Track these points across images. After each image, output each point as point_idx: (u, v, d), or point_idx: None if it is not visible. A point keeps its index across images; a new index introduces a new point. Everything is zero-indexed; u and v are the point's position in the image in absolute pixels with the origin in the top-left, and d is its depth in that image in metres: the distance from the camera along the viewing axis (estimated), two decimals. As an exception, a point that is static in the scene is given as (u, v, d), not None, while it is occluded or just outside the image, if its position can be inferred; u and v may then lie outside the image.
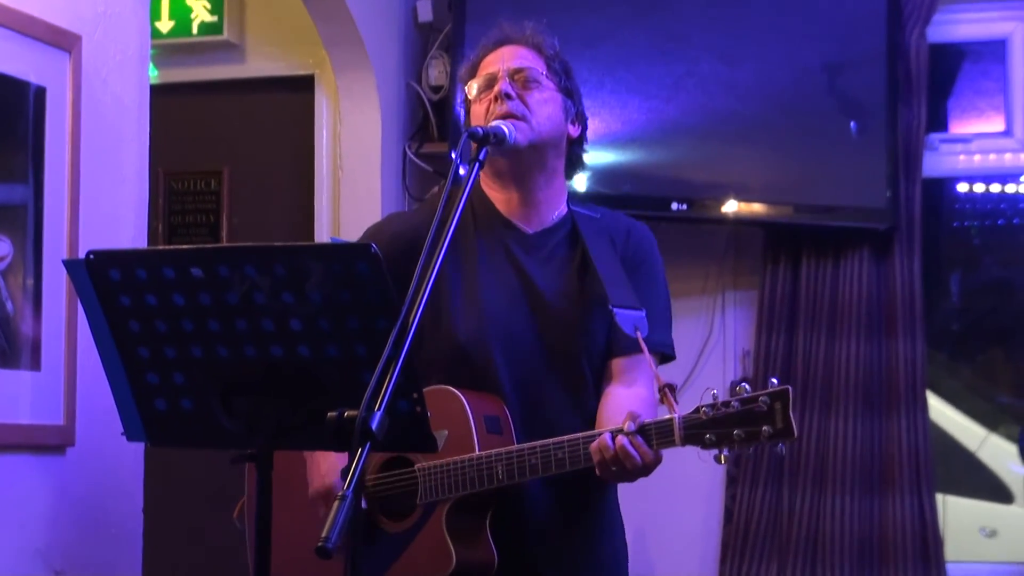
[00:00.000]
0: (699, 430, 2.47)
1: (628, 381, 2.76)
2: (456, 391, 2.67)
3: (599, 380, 2.79)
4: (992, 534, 5.29)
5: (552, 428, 2.69)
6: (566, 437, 2.59)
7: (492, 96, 2.76)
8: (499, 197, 2.84)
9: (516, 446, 2.63)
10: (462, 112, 2.89)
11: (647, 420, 2.52)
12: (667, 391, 2.53)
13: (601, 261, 2.76)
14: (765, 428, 2.43)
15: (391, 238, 2.76)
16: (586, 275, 2.78)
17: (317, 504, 2.74)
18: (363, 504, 2.68)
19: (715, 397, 2.48)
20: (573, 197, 2.92)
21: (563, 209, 2.86)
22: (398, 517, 2.73)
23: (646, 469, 2.52)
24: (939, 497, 4.59)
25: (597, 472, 2.55)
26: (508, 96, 2.74)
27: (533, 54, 2.82)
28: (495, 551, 2.67)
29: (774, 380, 2.47)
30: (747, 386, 2.48)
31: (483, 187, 2.86)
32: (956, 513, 5.16)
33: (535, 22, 2.87)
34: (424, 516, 2.68)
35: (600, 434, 2.53)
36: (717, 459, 2.47)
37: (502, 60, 2.80)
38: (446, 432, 2.62)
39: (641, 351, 2.66)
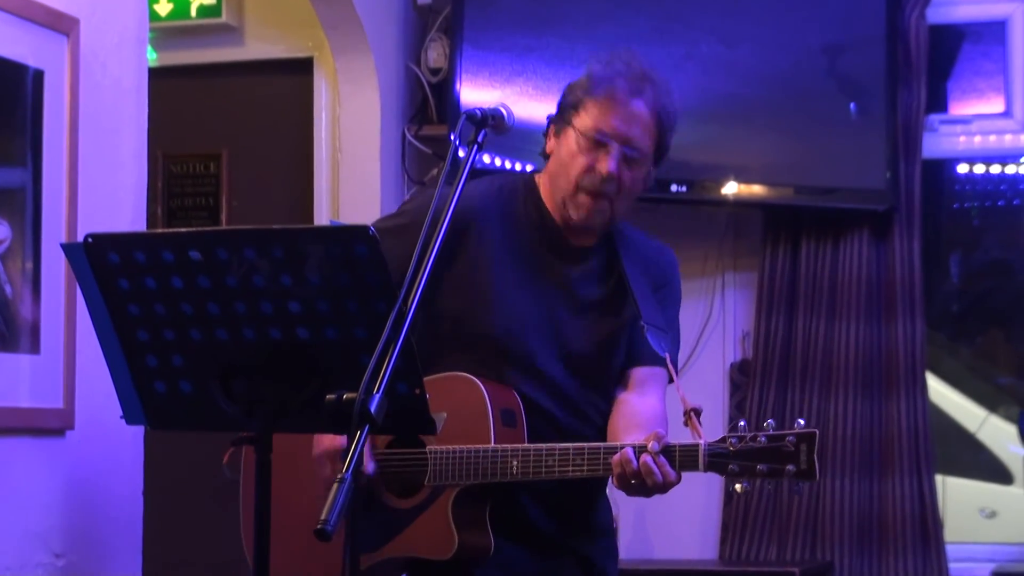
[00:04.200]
0: (723, 459, 2.51)
1: (641, 391, 2.79)
2: (476, 380, 2.68)
3: (610, 389, 2.81)
4: (992, 515, 5.30)
5: (559, 427, 2.74)
6: (587, 444, 2.60)
7: (596, 166, 2.69)
8: (555, 210, 2.82)
9: (535, 445, 2.64)
10: (548, 128, 2.81)
11: (673, 442, 2.53)
12: (692, 415, 2.56)
13: (635, 281, 2.77)
14: (790, 467, 2.48)
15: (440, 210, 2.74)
16: (620, 290, 2.79)
17: (323, 462, 2.71)
18: (371, 470, 2.68)
19: (742, 428, 2.52)
20: None
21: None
22: (401, 493, 2.73)
23: (665, 487, 2.55)
24: (939, 478, 4.59)
25: (615, 483, 2.57)
26: (611, 179, 2.70)
27: (653, 124, 2.73)
28: (492, 538, 2.69)
29: (801, 421, 2.51)
30: (772, 422, 2.52)
31: (541, 195, 2.83)
32: (956, 494, 5.17)
33: (660, 81, 2.75)
34: (430, 498, 2.69)
35: (622, 447, 2.54)
36: (731, 487, 2.52)
37: (620, 125, 2.70)
38: (444, 414, 2.62)
39: (657, 364, 2.73)
